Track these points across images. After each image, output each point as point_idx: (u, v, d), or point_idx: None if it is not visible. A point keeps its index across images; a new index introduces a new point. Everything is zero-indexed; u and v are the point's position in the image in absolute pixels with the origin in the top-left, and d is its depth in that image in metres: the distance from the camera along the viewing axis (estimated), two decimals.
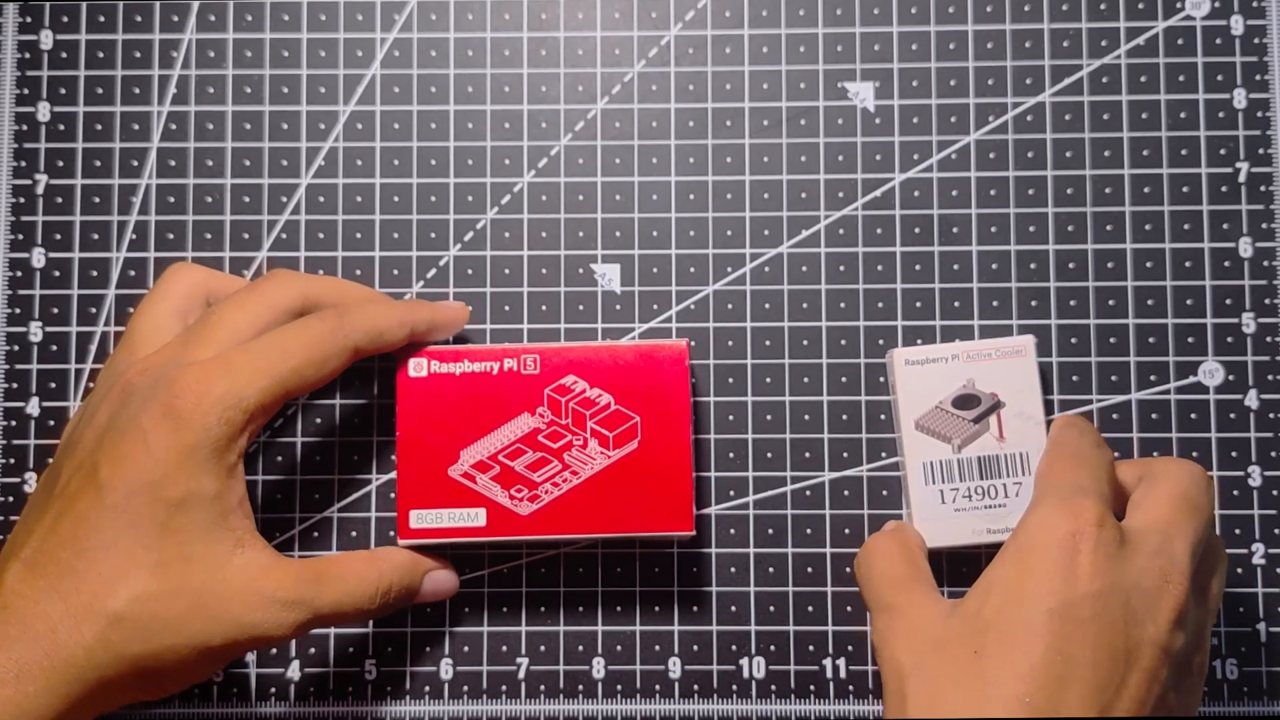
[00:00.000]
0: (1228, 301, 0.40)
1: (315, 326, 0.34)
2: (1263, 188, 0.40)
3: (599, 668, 0.40)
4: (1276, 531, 0.40)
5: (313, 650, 0.40)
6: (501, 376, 0.37)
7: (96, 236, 0.41)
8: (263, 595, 0.32)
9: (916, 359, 0.38)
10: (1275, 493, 0.40)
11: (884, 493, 0.40)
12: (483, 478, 0.36)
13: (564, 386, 0.36)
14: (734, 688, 0.39)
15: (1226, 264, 0.40)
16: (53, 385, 0.41)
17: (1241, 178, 0.41)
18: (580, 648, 0.40)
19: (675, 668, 0.40)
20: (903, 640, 0.33)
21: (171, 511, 0.31)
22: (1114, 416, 0.40)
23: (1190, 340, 0.40)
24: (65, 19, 0.42)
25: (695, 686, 0.40)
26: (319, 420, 0.41)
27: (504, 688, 0.40)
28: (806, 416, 0.40)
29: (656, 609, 0.40)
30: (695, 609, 0.40)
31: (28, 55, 0.42)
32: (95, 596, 0.30)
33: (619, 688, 0.40)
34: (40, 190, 0.41)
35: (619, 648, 0.40)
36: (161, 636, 0.30)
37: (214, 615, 0.31)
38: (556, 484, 0.36)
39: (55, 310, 0.41)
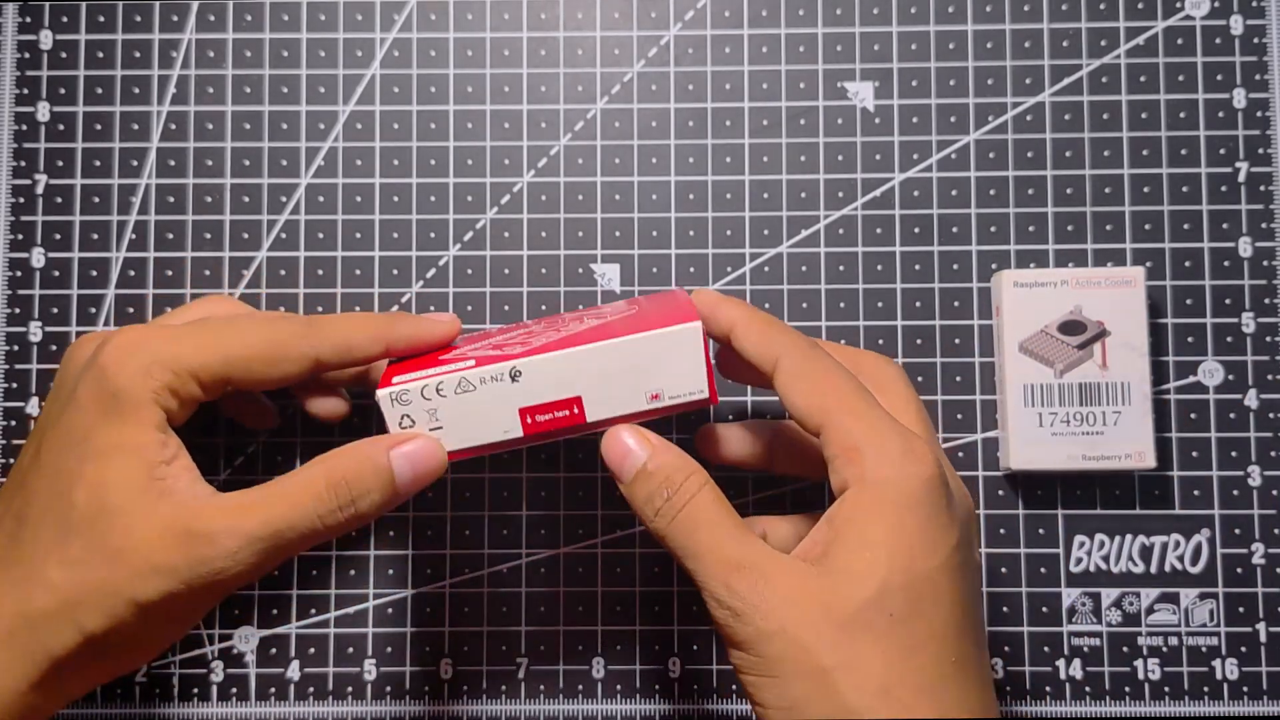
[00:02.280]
0: (1228, 301, 0.40)
1: (282, 326, 0.32)
2: (1262, 188, 0.40)
3: (599, 668, 0.40)
4: (1276, 531, 0.40)
5: (313, 650, 0.40)
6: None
7: (96, 236, 0.41)
8: (195, 535, 0.29)
9: (1025, 281, 0.38)
10: (1275, 493, 0.40)
11: None
12: (473, 350, 0.33)
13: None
14: (734, 688, 0.39)
15: (1226, 264, 0.40)
16: (52, 385, 0.41)
17: (1241, 178, 0.41)
18: (580, 648, 0.40)
19: (675, 668, 0.40)
20: (787, 609, 0.28)
21: (99, 466, 0.30)
22: None
23: (1190, 340, 0.40)
24: (65, 19, 0.42)
25: (695, 686, 0.40)
26: (319, 421, 0.40)
27: (504, 688, 0.40)
28: None
29: (656, 609, 0.40)
30: (695, 609, 0.40)
31: (28, 55, 0.42)
32: (33, 566, 0.29)
33: (619, 688, 0.40)
34: (40, 190, 0.41)
35: (619, 648, 0.40)
36: (96, 598, 0.29)
37: (139, 569, 0.29)
38: (556, 331, 0.33)
39: (55, 310, 0.41)
